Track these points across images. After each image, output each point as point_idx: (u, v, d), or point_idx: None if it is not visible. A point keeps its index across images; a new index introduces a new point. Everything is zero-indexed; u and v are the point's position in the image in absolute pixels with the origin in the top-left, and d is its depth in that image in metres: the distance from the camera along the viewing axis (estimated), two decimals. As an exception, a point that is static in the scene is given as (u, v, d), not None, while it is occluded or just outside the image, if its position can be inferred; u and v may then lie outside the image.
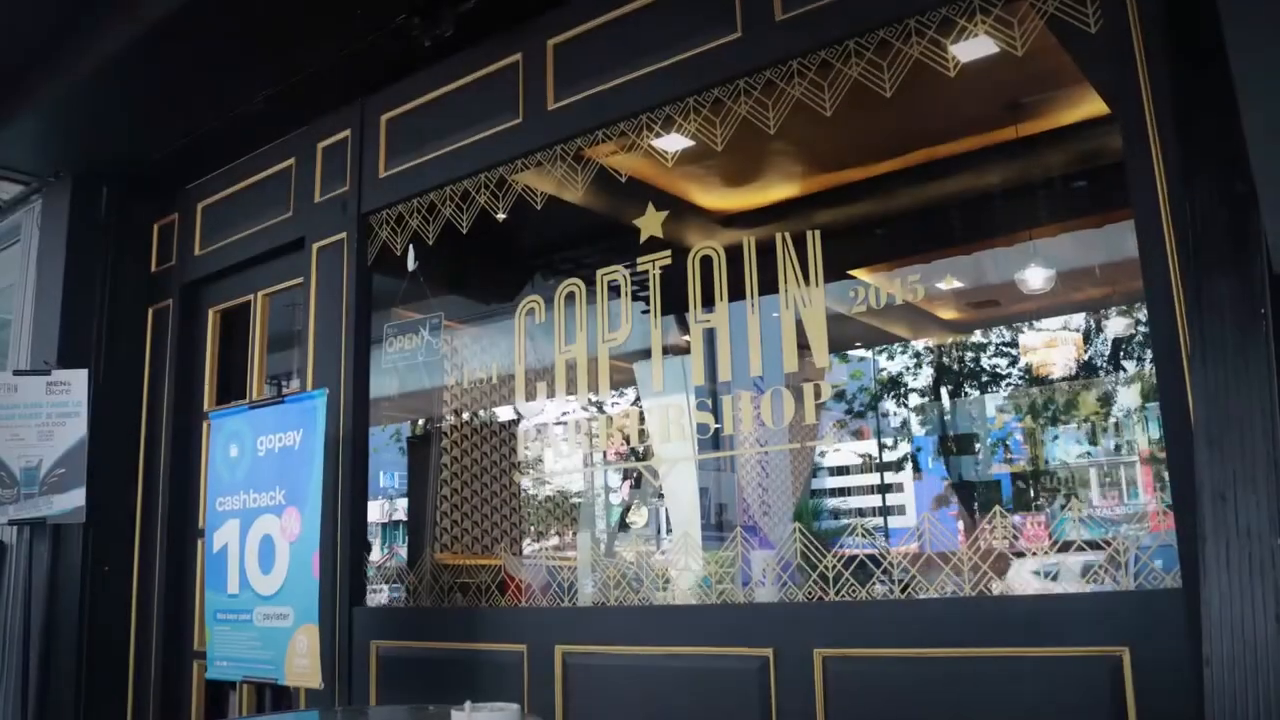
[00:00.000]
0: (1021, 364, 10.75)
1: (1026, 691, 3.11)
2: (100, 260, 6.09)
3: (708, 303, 4.12)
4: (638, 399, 5.60)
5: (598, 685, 4.04)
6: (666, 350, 4.39)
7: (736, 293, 4.00)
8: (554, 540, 6.99)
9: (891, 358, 12.94)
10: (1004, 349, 11.96)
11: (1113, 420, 10.56)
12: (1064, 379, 9.92)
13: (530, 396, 4.72)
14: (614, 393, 6.14)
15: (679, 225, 4.94)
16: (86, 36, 4.87)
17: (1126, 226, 3.24)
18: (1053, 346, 8.96)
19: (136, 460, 6.09)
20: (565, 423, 5.11)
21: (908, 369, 13.04)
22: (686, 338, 4.19)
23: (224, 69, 5.01)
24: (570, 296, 4.51)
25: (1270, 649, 2.36)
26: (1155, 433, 9.65)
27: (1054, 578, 3.66)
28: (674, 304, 4.19)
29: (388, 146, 5.15)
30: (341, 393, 4.99)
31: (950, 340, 11.31)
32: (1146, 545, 3.18)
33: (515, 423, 5.75)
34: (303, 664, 4.34)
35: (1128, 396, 10.43)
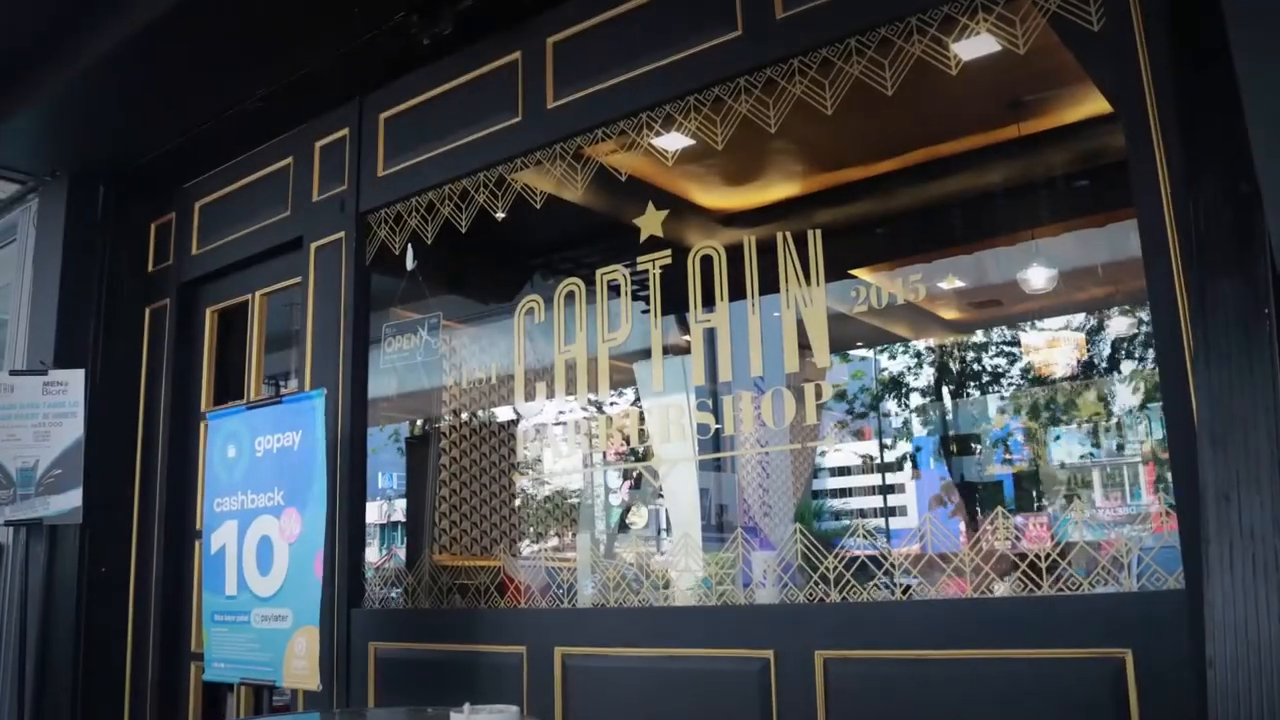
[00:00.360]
0: (1023, 364, 10.74)
1: (1028, 693, 3.09)
2: (97, 260, 6.08)
3: (708, 302, 4.10)
4: (638, 399, 5.58)
5: (597, 687, 4.02)
6: (666, 350, 4.37)
7: (737, 292, 3.98)
8: (553, 541, 6.98)
9: (893, 357, 12.93)
10: (1006, 349, 11.94)
11: (1114, 420, 10.54)
12: (1066, 379, 9.90)
13: (529, 397, 4.70)
14: (614, 393, 6.12)
15: (679, 224, 4.92)
16: (83, 34, 4.85)
17: (1129, 226, 3.22)
18: (1055, 346, 8.94)
19: (134, 461, 6.07)
20: (565, 423, 5.09)
21: (909, 369, 13.02)
22: (687, 337, 4.17)
23: (221, 67, 4.99)
24: (570, 296, 4.49)
25: (1274, 650, 2.34)
26: (1158, 433, 9.62)
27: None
28: (674, 304, 4.17)
29: (386, 145, 5.13)
30: (340, 393, 4.97)
31: (952, 340, 11.29)
32: (1149, 546, 3.16)
33: (514, 423, 5.74)
34: (301, 666, 4.32)
35: (1130, 396, 10.41)
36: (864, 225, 6.51)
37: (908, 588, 3.59)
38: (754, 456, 7.39)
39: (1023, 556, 3.31)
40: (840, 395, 12.06)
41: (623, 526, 8.43)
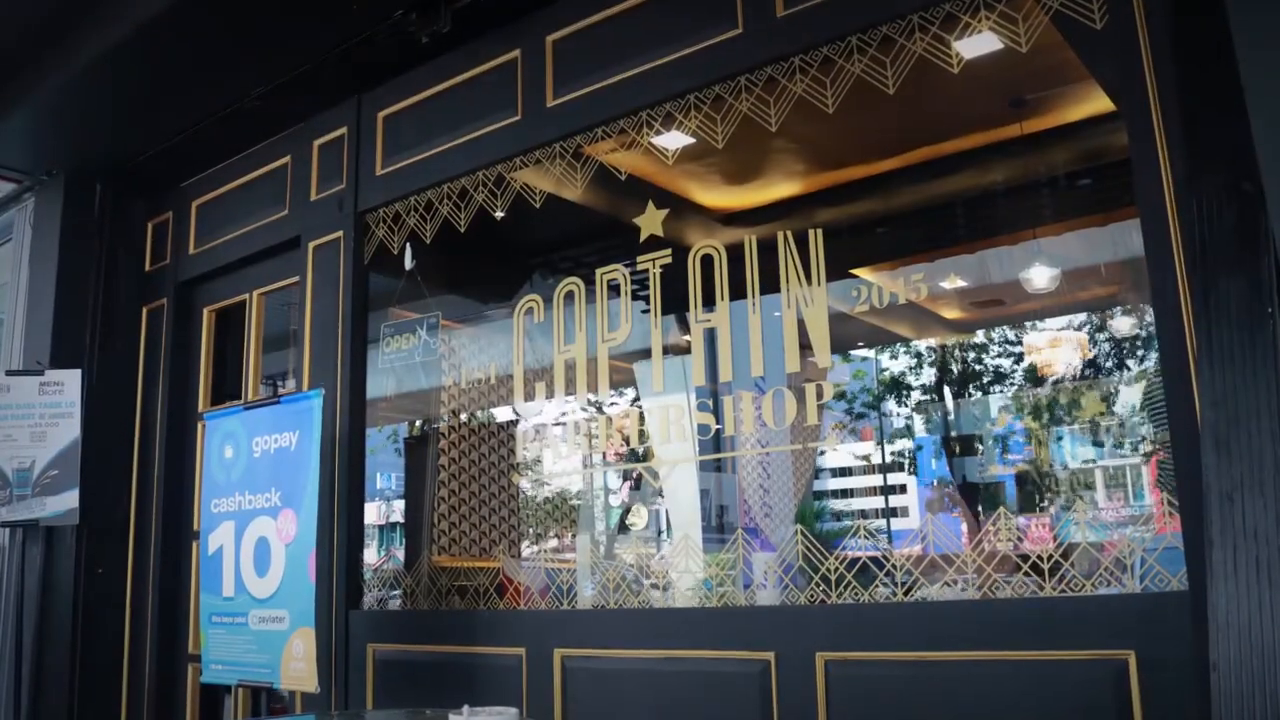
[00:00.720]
0: (1025, 363, 10.72)
1: (1031, 695, 3.07)
2: (94, 259, 6.06)
3: (708, 302, 4.08)
4: (637, 399, 5.57)
5: (597, 689, 4.00)
6: (667, 350, 4.35)
7: (738, 292, 3.96)
8: (553, 542, 6.96)
9: (895, 357, 12.91)
10: (1008, 348, 11.92)
11: (1116, 420, 10.52)
12: (1069, 379, 9.89)
13: (529, 397, 4.68)
14: (614, 393, 6.11)
15: (679, 223, 4.90)
16: (80, 33, 4.83)
17: (1132, 225, 3.21)
18: (1057, 346, 8.92)
19: (130, 462, 6.05)
20: (564, 423, 5.07)
21: (910, 369, 13.00)
22: (687, 337, 4.15)
23: (219, 66, 4.97)
24: (569, 296, 4.47)
25: (1278, 653, 2.32)
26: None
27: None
28: (674, 303, 4.15)
29: (385, 144, 5.11)
30: (338, 393, 4.95)
31: (954, 340, 11.28)
32: (1152, 547, 3.14)
33: (514, 423, 5.72)
34: (299, 667, 4.30)
35: (1133, 396, 10.39)
36: (865, 224, 6.49)
37: (909, 588, 3.57)
38: (754, 457, 7.38)
39: (1025, 557, 3.29)
40: (841, 395, 12.03)
41: (622, 527, 8.41)
